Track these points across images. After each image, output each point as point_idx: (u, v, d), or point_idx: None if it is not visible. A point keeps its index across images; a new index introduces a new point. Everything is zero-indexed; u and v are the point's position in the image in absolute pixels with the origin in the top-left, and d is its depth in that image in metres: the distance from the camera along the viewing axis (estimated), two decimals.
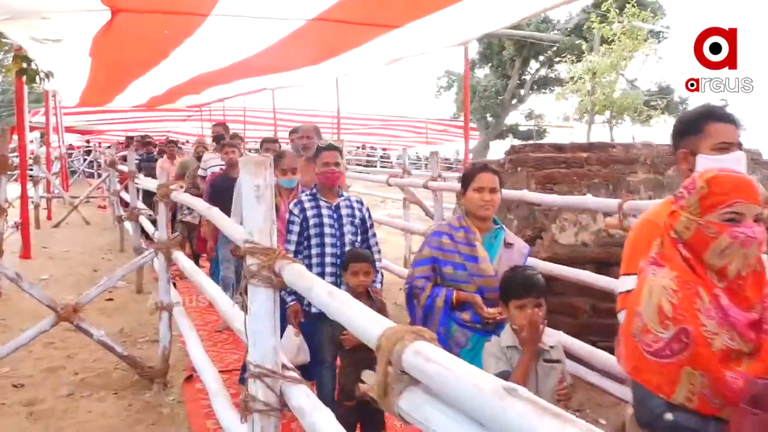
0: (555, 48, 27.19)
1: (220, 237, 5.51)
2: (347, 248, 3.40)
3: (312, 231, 3.41)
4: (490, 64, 29.42)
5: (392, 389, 1.10)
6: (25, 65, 6.61)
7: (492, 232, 2.84)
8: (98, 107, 19.26)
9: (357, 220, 3.52)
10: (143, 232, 7.77)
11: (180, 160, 8.49)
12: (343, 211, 3.50)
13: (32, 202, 11.61)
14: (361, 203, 3.63)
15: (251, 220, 1.86)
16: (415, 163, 27.53)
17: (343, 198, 3.55)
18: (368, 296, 3.12)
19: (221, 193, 5.32)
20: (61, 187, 14.66)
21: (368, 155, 30.41)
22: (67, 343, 5.24)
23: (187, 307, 5.32)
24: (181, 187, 4.18)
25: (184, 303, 5.07)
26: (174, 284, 4.85)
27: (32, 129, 16.91)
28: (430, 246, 2.83)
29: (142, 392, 4.29)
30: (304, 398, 1.75)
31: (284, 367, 1.90)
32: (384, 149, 32.10)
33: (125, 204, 10.63)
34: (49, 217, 12.95)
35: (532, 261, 3.98)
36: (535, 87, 29.36)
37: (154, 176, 8.31)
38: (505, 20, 6.95)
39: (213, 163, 6.47)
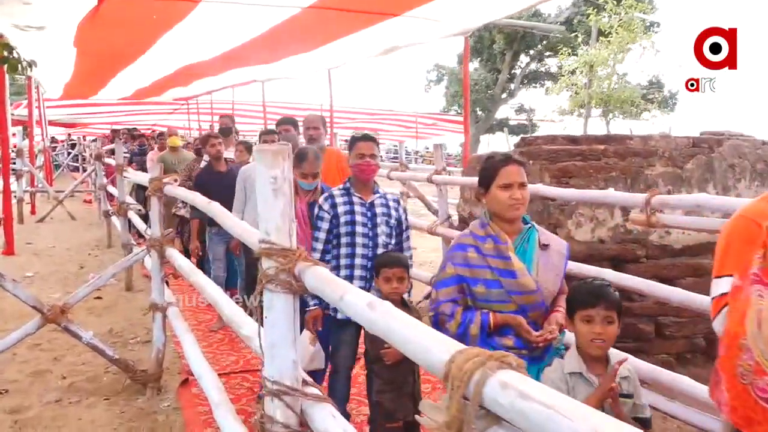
0: (545, 42, 27.10)
1: (210, 235, 5.33)
2: (380, 251, 3.09)
3: (342, 229, 3.11)
4: (480, 58, 29.24)
5: (469, 429, 0.89)
6: (6, 54, 6.31)
7: (523, 235, 2.39)
8: (82, 100, 18.87)
9: (393, 221, 3.20)
10: (132, 227, 7.51)
11: (159, 155, 8.20)
12: (378, 210, 3.17)
13: (15, 196, 11.28)
14: (398, 202, 3.30)
15: (267, 217, 1.64)
16: (405, 157, 27.34)
17: (378, 195, 3.22)
18: (404, 305, 2.84)
19: (207, 188, 5.07)
20: (45, 181, 14.27)
21: None
22: (54, 345, 4.98)
23: (180, 307, 5.10)
24: (175, 180, 3.93)
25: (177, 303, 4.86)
26: (167, 283, 4.61)
27: (15, 123, 16.54)
28: (454, 262, 2.37)
29: (134, 398, 4.05)
30: (330, 420, 1.53)
31: (305, 382, 1.68)
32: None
33: (112, 198, 10.35)
34: (32, 212, 12.60)
35: None
36: (526, 81, 29.26)
37: (146, 170, 8.02)
38: (508, 8, 6.76)
39: None
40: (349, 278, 3.06)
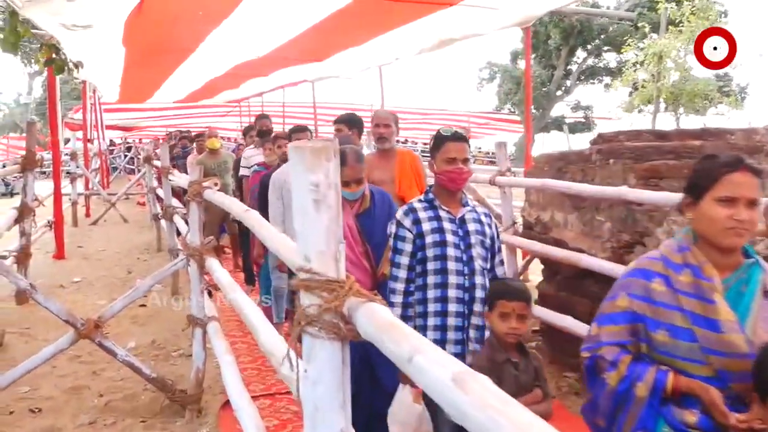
0: (604, 36, 26.03)
1: None
2: (477, 278, 2.50)
3: (430, 252, 2.49)
4: (534, 54, 28.34)
5: None
6: (53, 54, 6.18)
7: (740, 273, 1.72)
8: (139, 104, 19.15)
9: (487, 240, 2.59)
10: (179, 231, 7.30)
11: (197, 158, 7.94)
12: (471, 227, 2.56)
13: (69, 199, 11.35)
14: (490, 216, 2.70)
15: (307, 238, 1.23)
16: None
17: (468, 208, 2.61)
18: (521, 350, 2.32)
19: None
20: (100, 185, 14.41)
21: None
22: (95, 357, 4.73)
23: (224, 316, 4.79)
24: (216, 184, 3.59)
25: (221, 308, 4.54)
26: (210, 293, 4.30)
27: (75, 127, 16.82)
28: (630, 293, 1.76)
29: (173, 420, 3.74)
30: None
31: None
32: (425, 144, 31.44)
33: (162, 201, 10.27)
34: (87, 214, 12.70)
35: None
36: (582, 77, 28.20)
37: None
38: None
39: (257, 159, 5.92)
40: (442, 315, 2.48)
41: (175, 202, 6.90)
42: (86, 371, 4.51)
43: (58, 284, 7.00)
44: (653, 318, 1.72)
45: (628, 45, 16.67)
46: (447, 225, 2.52)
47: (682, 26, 13.08)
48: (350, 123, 4.29)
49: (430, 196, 2.62)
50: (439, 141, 2.58)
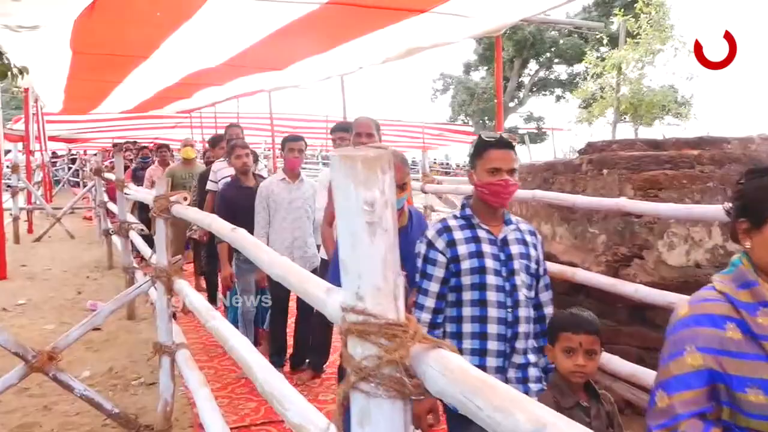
0: (555, 48, 26.55)
1: (238, 263, 4.57)
2: (521, 311, 2.15)
3: (466, 279, 2.14)
4: (487, 67, 28.72)
5: None
6: None
7: None
8: (83, 114, 18.33)
9: (533, 264, 2.23)
10: (134, 248, 6.86)
11: (167, 169, 7.43)
12: (514, 249, 2.19)
13: (11, 214, 10.66)
14: (535, 234, 2.32)
15: (358, 271, 0.98)
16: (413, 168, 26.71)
17: (512, 226, 2.25)
18: (591, 392, 1.99)
19: (234, 206, 4.44)
20: (44, 198, 13.63)
21: None
22: (45, 389, 4.30)
23: (189, 342, 4.43)
24: (185, 199, 3.28)
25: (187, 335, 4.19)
26: (173, 316, 3.94)
27: (15, 138, 15.94)
28: (700, 346, 1.40)
29: None
30: None
31: None
32: None
33: (112, 216, 9.72)
34: (30, 230, 11.95)
35: (628, 287, 3.15)
36: (535, 89, 28.69)
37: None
38: (545, 4, 6.13)
39: (227, 172, 5.48)
40: (481, 353, 2.14)
41: (130, 217, 6.48)
42: (36, 406, 4.07)
43: (1, 307, 6.46)
44: (737, 375, 1.37)
45: (586, 56, 16.95)
46: (487, 247, 2.16)
47: (639, 38, 13.38)
48: (349, 131, 4.02)
49: (467, 212, 2.23)
50: (481, 147, 2.17)
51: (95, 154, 17.76)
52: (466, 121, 29.78)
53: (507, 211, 2.27)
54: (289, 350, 4.60)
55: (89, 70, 9.02)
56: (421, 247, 2.23)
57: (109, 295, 7.02)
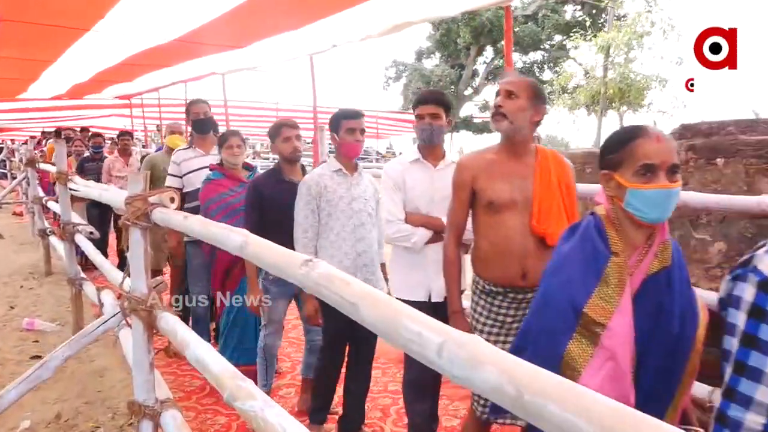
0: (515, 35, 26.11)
1: (265, 284, 3.53)
2: None
3: None
4: (442, 54, 28.05)
5: None
6: None
7: None
8: (9, 101, 16.57)
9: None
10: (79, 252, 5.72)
11: (147, 157, 6.21)
12: None
13: None
14: None
15: None
16: (364, 158, 25.79)
17: None
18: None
19: (275, 207, 3.40)
20: None
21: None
22: None
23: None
24: (172, 200, 2.32)
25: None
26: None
27: None
28: None
29: None
30: None
31: None
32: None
33: (48, 212, 8.46)
34: None
35: None
36: (490, 77, 28.21)
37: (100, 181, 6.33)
38: None
39: (196, 163, 4.45)
40: None
41: (75, 216, 5.36)
42: None
43: None
44: None
45: (572, 38, 16.35)
46: None
47: (625, 20, 12.87)
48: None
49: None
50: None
51: (25, 142, 16.07)
52: None
53: None
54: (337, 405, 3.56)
55: (18, 46, 7.76)
56: None
57: (50, 310, 5.90)
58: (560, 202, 2.41)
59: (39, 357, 4.63)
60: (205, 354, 1.93)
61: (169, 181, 4.51)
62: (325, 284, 1.20)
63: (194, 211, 4.15)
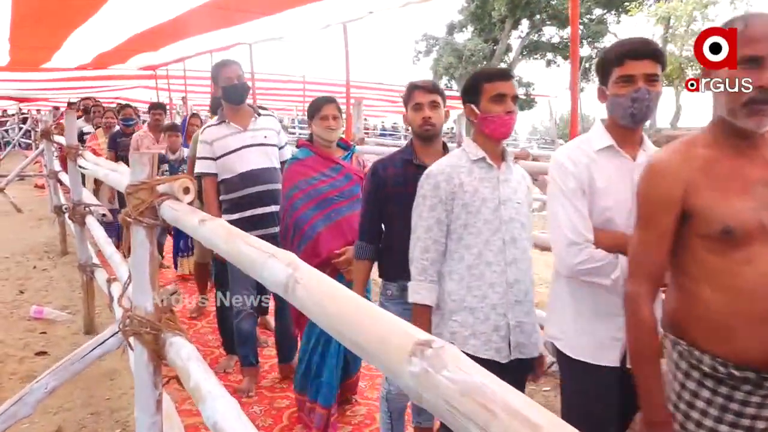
0: (548, 9, 25.02)
1: (383, 299, 2.64)
2: None
3: None
4: (475, 27, 27.02)
5: None
6: None
7: None
8: (34, 70, 16.20)
9: None
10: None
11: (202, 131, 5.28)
12: None
13: None
14: None
15: None
16: (392, 134, 24.98)
17: None
18: None
19: (400, 200, 2.44)
20: None
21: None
22: None
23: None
24: (186, 190, 1.74)
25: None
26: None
27: None
28: None
29: None
30: None
31: None
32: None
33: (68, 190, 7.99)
34: None
35: None
36: (525, 52, 27.18)
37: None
38: None
39: (233, 142, 3.55)
40: None
41: (87, 195, 4.85)
42: None
43: None
44: None
45: (635, 8, 15.33)
46: None
47: None
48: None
49: None
50: None
51: (48, 112, 15.71)
52: (449, 85, 28.14)
53: None
54: None
55: (39, 12, 7.26)
56: None
57: (62, 296, 5.44)
58: None
59: (44, 353, 4.17)
60: (227, 416, 1.35)
61: (200, 166, 3.59)
62: (469, 409, 0.59)
63: (236, 204, 3.55)
